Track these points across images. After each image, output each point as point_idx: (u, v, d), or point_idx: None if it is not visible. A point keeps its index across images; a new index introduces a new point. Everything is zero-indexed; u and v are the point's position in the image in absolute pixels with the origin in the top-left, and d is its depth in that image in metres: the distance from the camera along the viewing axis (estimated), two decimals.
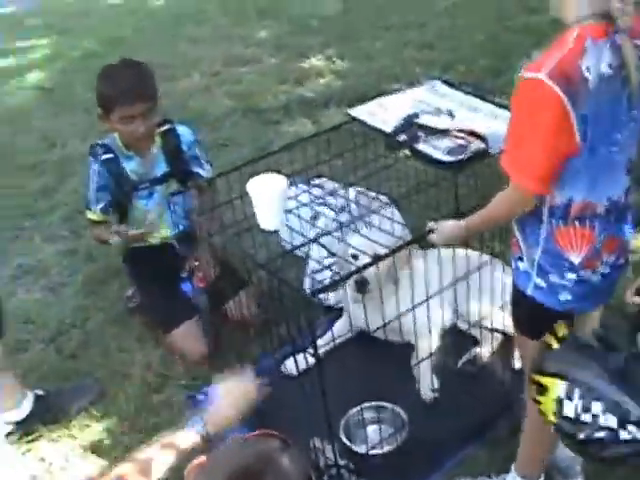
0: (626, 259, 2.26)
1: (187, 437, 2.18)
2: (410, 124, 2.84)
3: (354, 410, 2.89)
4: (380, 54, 6.48)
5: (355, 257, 3.00)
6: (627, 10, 1.95)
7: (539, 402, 2.10)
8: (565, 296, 2.19)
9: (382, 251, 2.63)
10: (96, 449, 3.08)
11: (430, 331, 2.92)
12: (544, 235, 2.17)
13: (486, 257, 2.93)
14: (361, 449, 2.81)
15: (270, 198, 2.43)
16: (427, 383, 3.03)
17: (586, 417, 1.99)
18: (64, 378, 3.44)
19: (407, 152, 2.88)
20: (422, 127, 2.81)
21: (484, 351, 3.22)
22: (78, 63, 7.45)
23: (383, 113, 3.00)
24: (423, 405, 3.01)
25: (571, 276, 2.17)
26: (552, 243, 2.16)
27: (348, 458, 2.78)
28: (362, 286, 3.04)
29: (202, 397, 3.19)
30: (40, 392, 3.24)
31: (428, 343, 3.08)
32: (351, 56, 6.50)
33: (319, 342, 3.17)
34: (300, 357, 2.96)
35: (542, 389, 2.08)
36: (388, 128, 2.86)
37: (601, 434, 1.98)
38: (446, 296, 2.91)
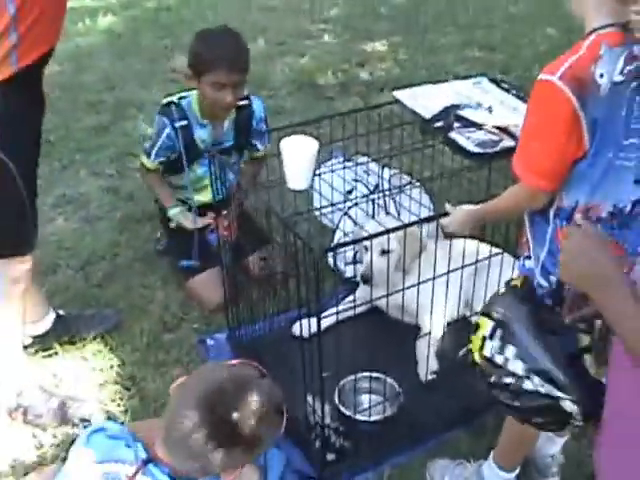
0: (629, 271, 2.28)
1: None
2: (448, 114, 2.93)
3: (350, 377, 3.00)
4: (443, 49, 6.56)
5: (367, 249, 3.11)
6: None
7: (470, 341, 2.14)
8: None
9: (393, 242, 2.72)
10: (105, 374, 3.24)
11: (434, 314, 3.00)
12: (550, 235, 2.23)
13: (497, 251, 3.01)
14: (351, 413, 2.92)
15: (300, 157, 2.52)
16: (427, 365, 3.12)
17: (499, 359, 2.03)
18: (87, 304, 3.60)
19: (440, 140, 2.98)
20: (459, 118, 2.90)
21: None
22: (150, 14, 7.64)
23: (426, 100, 3.09)
24: (418, 384, 3.10)
25: None
26: (555, 244, 2.21)
27: (338, 421, 2.89)
28: (366, 279, 3.15)
29: (211, 342, 3.34)
30: (62, 312, 3.40)
31: (436, 327, 3.18)
32: (414, 47, 6.58)
33: (330, 310, 3.30)
34: (307, 321, 3.07)
35: (476, 327, 2.12)
36: (427, 114, 2.95)
37: (508, 380, 2.01)
38: (454, 285, 2.99)
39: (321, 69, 6.10)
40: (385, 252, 3.06)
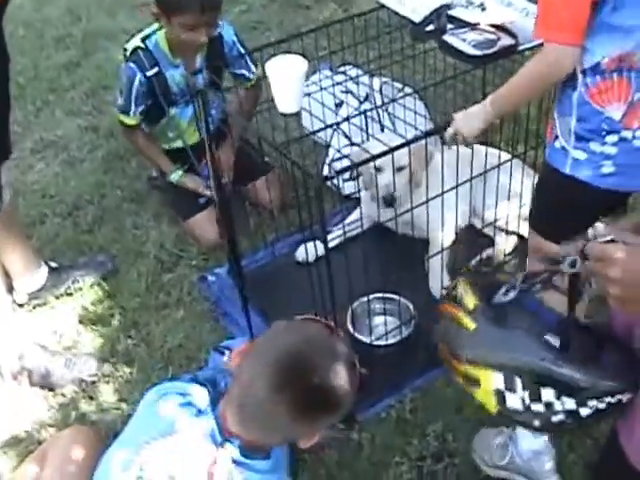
0: None
1: None
2: (440, 15, 2.75)
3: (362, 300, 2.89)
4: None
5: (379, 169, 2.96)
6: None
7: (473, 393, 1.81)
8: (608, 168, 2.13)
9: (405, 157, 2.59)
10: (106, 323, 3.13)
11: (445, 226, 2.88)
12: (577, 99, 2.11)
13: (506, 156, 2.87)
14: (366, 339, 2.82)
15: (289, 80, 2.36)
16: (438, 279, 3.02)
17: (538, 407, 1.70)
18: (79, 252, 3.47)
19: (433, 44, 2.81)
20: (452, 19, 2.72)
21: (498, 252, 3.21)
22: None
23: (414, 1, 2.91)
24: (432, 301, 3.00)
25: (612, 138, 2.10)
26: (589, 104, 2.09)
27: (352, 347, 2.80)
28: (390, 201, 2.96)
29: (213, 278, 3.22)
30: (54, 264, 3.27)
31: (442, 238, 3.05)
32: None
33: (333, 231, 3.19)
34: (312, 245, 2.95)
35: (472, 381, 1.78)
36: (417, 18, 2.76)
37: (561, 417, 1.70)
38: (463, 193, 2.87)
39: None
40: (400, 169, 2.92)
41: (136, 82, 3.27)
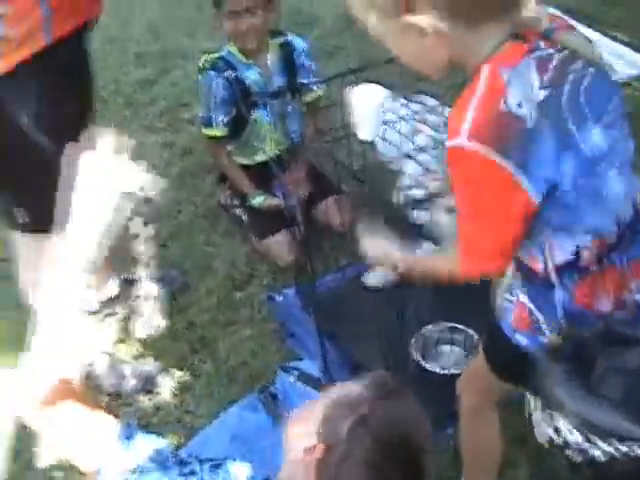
0: None
1: None
2: None
3: (429, 328, 2.90)
4: None
5: None
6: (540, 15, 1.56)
7: None
8: None
9: None
10: (174, 337, 3.19)
11: None
12: (561, 299, 1.74)
13: None
14: (432, 367, 2.83)
15: (369, 107, 2.42)
16: None
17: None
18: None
19: None
20: None
21: None
22: None
23: None
24: None
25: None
26: (574, 305, 1.74)
27: (419, 375, 2.80)
28: None
29: (280, 298, 3.25)
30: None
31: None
32: None
33: None
34: (381, 270, 2.97)
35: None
36: None
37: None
38: None
39: None
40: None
41: (214, 87, 3.42)
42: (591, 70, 1.61)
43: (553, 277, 1.72)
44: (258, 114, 3.50)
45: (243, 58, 3.46)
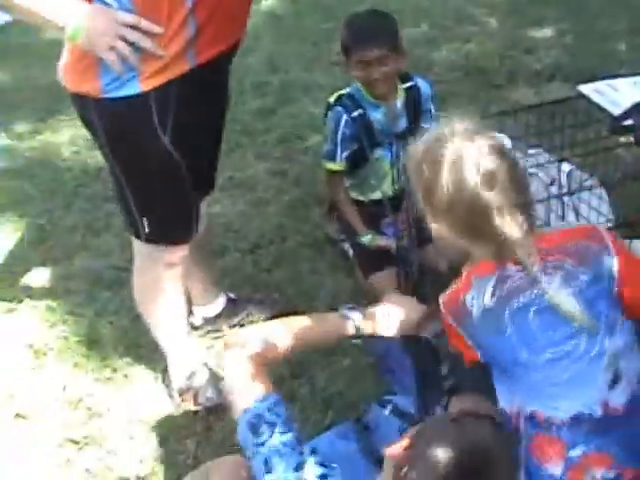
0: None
1: (339, 322, 2.30)
2: (639, 111, 2.79)
3: None
4: (615, 36, 6.27)
5: None
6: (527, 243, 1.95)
7: None
8: None
9: None
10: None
11: None
12: (523, 445, 2.03)
13: None
14: None
15: None
16: None
17: None
18: (255, 289, 3.64)
19: (630, 138, 2.84)
20: None
21: None
22: None
23: (613, 94, 2.96)
24: None
25: None
26: (530, 456, 2.01)
27: None
28: None
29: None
30: (232, 295, 3.44)
31: None
32: (585, 33, 6.33)
33: None
34: None
35: None
36: (616, 110, 2.82)
37: None
38: None
39: (487, 55, 5.93)
40: None
41: (342, 123, 3.48)
42: (544, 302, 1.97)
43: (521, 422, 2.04)
44: (380, 153, 3.56)
45: (371, 99, 3.52)
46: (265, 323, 2.30)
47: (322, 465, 1.95)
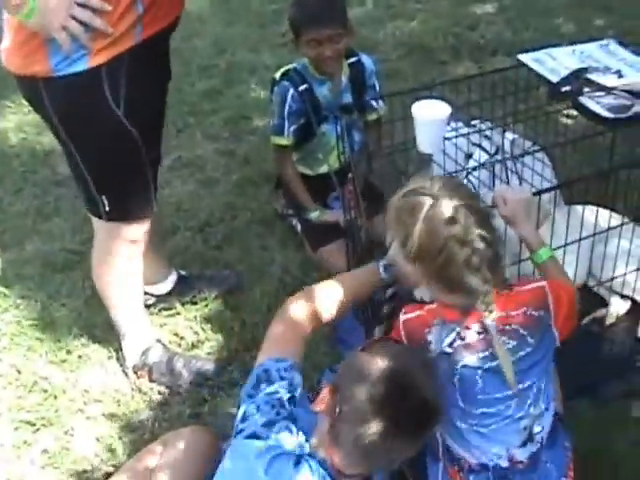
0: None
1: (369, 270, 2.43)
2: (577, 77, 2.87)
3: None
4: (555, 10, 6.38)
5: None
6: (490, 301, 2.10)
7: None
8: None
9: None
10: (226, 334, 3.30)
11: None
12: (440, 473, 2.28)
13: (616, 221, 2.94)
14: None
15: (433, 121, 2.52)
16: None
17: None
18: (206, 265, 3.67)
19: (569, 104, 2.92)
20: (588, 82, 2.84)
21: (610, 313, 3.25)
22: None
23: (551, 63, 3.04)
24: None
25: None
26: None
27: None
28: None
29: None
30: (183, 273, 3.48)
31: None
32: (525, 8, 6.42)
33: None
34: None
35: None
36: (554, 78, 2.90)
37: None
38: (582, 253, 2.94)
39: (431, 32, 6.01)
40: None
41: (289, 98, 3.53)
42: (493, 364, 2.11)
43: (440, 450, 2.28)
44: (327, 128, 3.62)
45: (317, 74, 3.57)
46: (314, 286, 2.39)
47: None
